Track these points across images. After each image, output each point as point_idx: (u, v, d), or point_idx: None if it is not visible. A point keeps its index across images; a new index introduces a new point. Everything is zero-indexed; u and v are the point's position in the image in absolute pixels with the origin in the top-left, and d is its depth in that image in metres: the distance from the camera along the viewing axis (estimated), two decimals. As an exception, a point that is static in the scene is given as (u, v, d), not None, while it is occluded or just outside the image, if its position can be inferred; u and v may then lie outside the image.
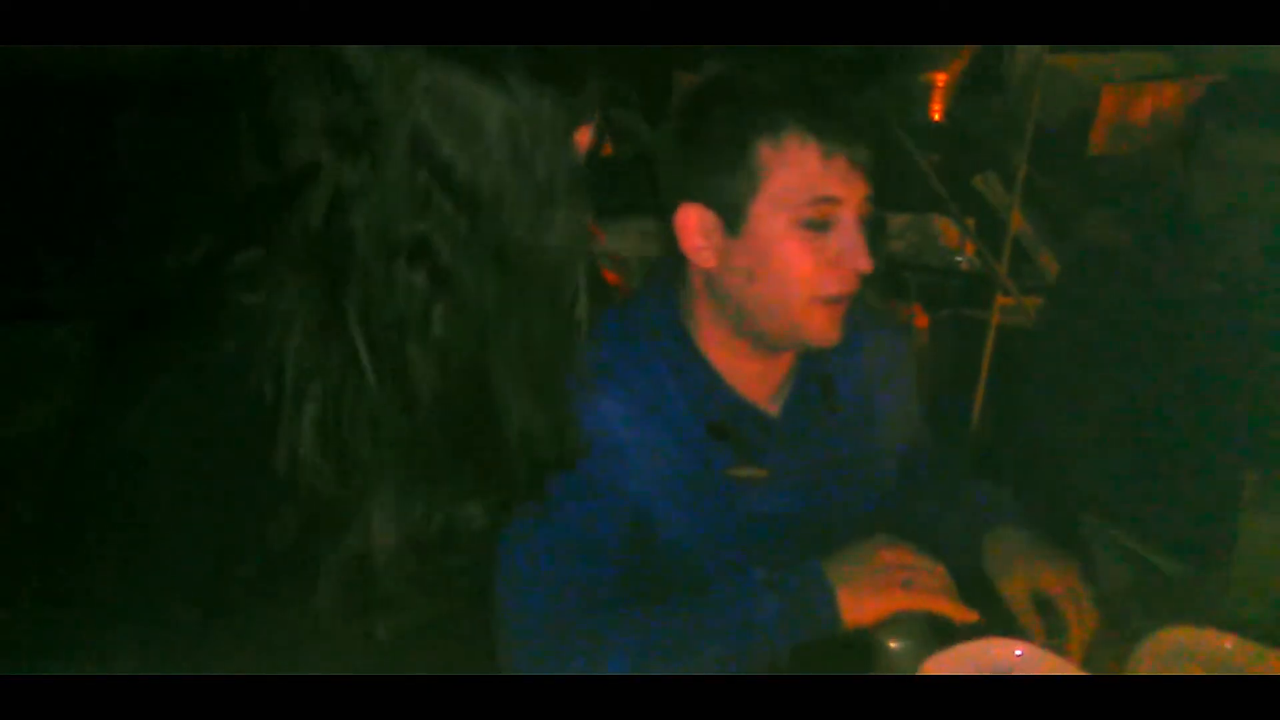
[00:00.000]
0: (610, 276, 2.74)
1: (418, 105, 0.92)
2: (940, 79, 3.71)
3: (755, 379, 1.28)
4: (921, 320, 3.03)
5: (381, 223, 0.93)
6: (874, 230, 1.21)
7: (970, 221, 3.10)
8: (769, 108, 1.16)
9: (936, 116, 3.71)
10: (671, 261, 1.28)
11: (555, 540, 1.19)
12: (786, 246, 1.17)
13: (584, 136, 1.02)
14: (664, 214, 1.24)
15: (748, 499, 1.28)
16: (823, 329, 1.21)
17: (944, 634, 1.20)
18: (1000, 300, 2.80)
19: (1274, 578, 1.35)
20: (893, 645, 1.19)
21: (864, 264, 1.16)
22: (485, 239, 0.95)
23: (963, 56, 3.80)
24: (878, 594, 1.17)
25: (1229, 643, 1.24)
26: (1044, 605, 1.25)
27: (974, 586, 1.26)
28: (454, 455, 1.03)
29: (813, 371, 1.33)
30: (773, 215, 1.16)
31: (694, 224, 1.20)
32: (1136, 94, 3.23)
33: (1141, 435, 1.76)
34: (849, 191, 1.16)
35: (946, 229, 3.25)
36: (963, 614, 1.18)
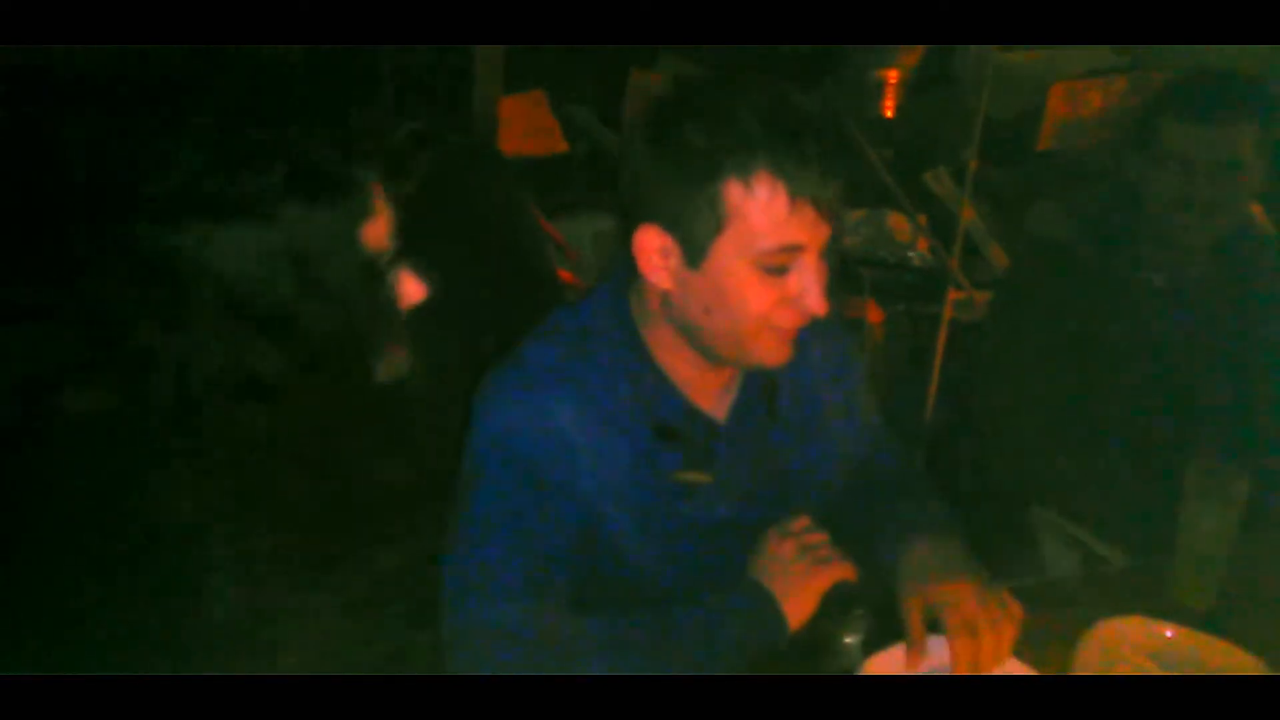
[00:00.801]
0: (564, 275, 2.73)
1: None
2: (892, 75, 3.73)
3: (703, 385, 1.28)
4: (875, 315, 3.05)
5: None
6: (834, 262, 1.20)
7: (922, 217, 3.12)
8: (742, 144, 1.11)
9: (889, 113, 3.73)
10: (626, 262, 1.26)
11: (504, 538, 1.18)
12: (745, 286, 1.15)
13: (375, 230, 1.06)
14: (624, 218, 1.21)
15: (693, 504, 1.27)
16: (773, 353, 1.20)
17: (888, 628, 1.24)
18: (952, 294, 2.82)
19: (1214, 567, 1.38)
20: (847, 641, 1.26)
21: (819, 307, 1.15)
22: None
23: (914, 53, 3.83)
24: (806, 587, 1.24)
25: (1170, 631, 1.26)
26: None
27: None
28: None
29: (759, 379, 1.32)
30: (735, 256, 1.14)
31: (653, 246, 1.18)
32: (1086, 89, 3.26)
33: (1087, 427, 1.78)
34: (813, 237, 1.14)
35: (899, 224, 3.27)
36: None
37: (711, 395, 1.29)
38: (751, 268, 1.14)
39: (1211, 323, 1.78)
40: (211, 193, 0.98)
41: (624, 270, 1.27)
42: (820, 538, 1.29)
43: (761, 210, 1.12)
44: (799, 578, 1.25)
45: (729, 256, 1.14)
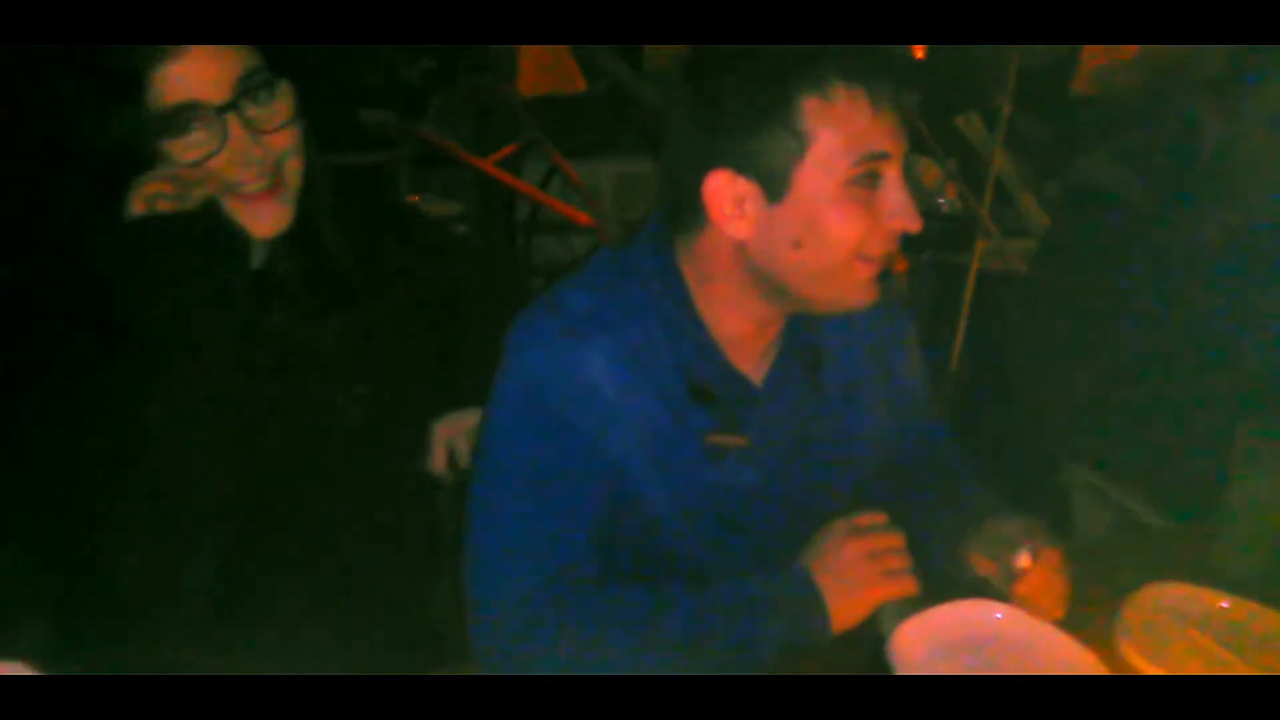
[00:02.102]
0: (582, 217, 2.67)
1: None
2: (922, 15, 3.61)
3: (744, 345, 1.21)
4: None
5: None
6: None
7: (951, 162, 3.04)
8: (809, 59, 1.06)
9: (919, 54, 3.62)
10: (667, 209, 1.19)
11: (529, 489, 1.14)
12: (838, 210, 1.08)
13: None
14: (679, 169, 1.14)
15: (726, 468, 1.21)
16: (863, 290, 1.13)
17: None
18: (981, 243, 2.75)
19: (1266, 534, 1.33)
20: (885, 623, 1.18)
21: (914, 224, 1.09)
22: None
23: (946, -8, 3.70)
24: (862, 595, 1.15)
25: (1226, 602, 1.21)
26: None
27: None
28: None
29: (800, 343, 1.25)
30: (822, 178, 1.07)
31: (726, 195, 1.11)
32: (1123, 31, 3.14)
33: (1132, 384, 1.73)
34: (896, 145, 1.08)
35: (928, 170, 3.19)
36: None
37: (752, 357, 1.23)
38: (840, 187, 1.08)
39: (1267, 277, 1.71)
40: None
41: (665, 218, 1.21)
42: (893, 542, 1.18)
43: (843, 122, 1.06)
44: (857, 585, 1.15)
45: (815, 180, 1.08)
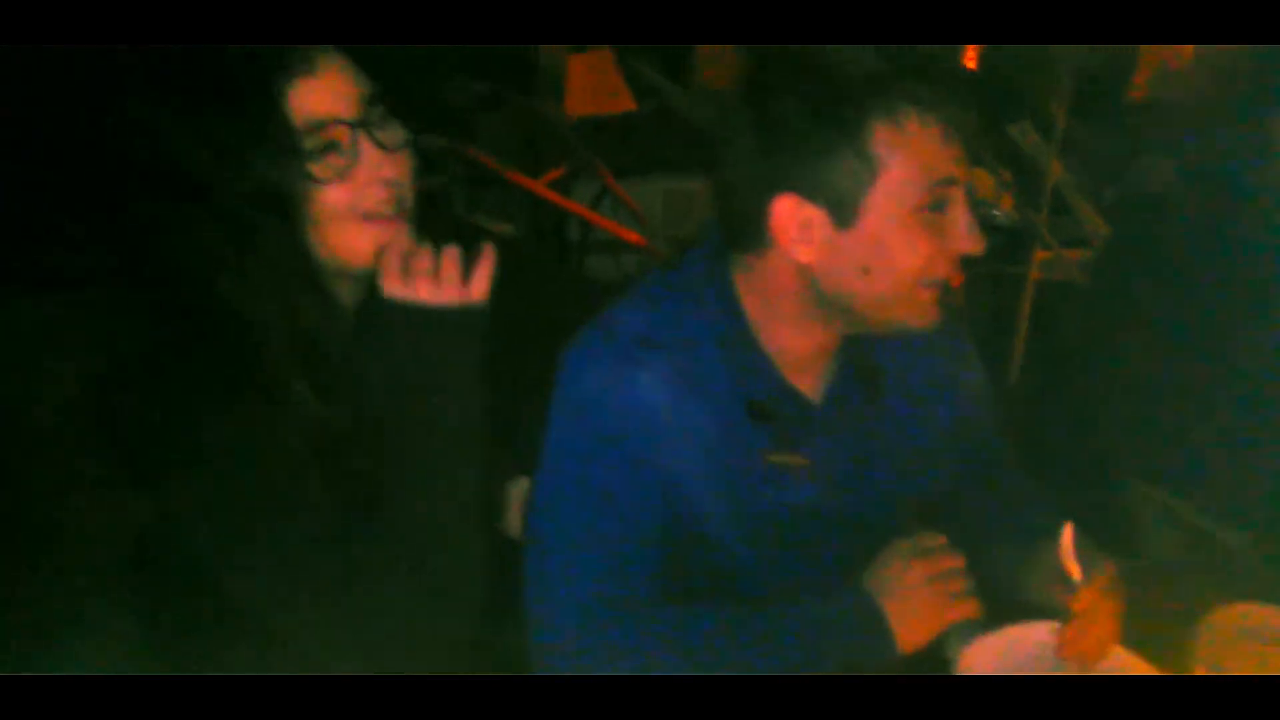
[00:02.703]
0: (633, 236, 2.68)
1: None
2: (974, 25, 3.59)
3: (801, 363, 1.20)
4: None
5: None
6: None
7: (1006, 173, 3.00)
8: (880, 85, 1.06)
9: (970, 64, 3.59)
10: (720, 228, 1.19)
11: (585, 512, 1.14)
12: (907, 237, 1.07)
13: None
14: (740, 190, 1.14)
15: (782, 487, 1.20)
16: (927, 312, 1.13)
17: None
18: (1039, 254, 2.71)
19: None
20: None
21: (979, 247, 1.09)
22: None
23: (998, 0, 3.67)
24: (927, 619, 1.15)
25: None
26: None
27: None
28: None
29: (859, 361, 1.24)
30: (893, 206, 1.07)
31: (793, 219, 1.10)
32: (1180, 36, 3.08)
33: (1196, 398, 1.68)
34: (963, 170, 1.08)
35: (982, 181, 3.15)
36: None
37: (809, 375, 1.22)
38: (910, 214, 1.07)
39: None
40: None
41: (719, 237, 1.20)
42: (956, 564, 1.18)
43: (915, 149, 1.06)
44: (921, 609, 1.15)
45: (886, 208, 1.07)
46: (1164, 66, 3.10)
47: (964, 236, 1.09)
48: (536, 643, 1.15)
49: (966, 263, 2.89)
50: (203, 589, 1.07)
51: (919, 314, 1.13)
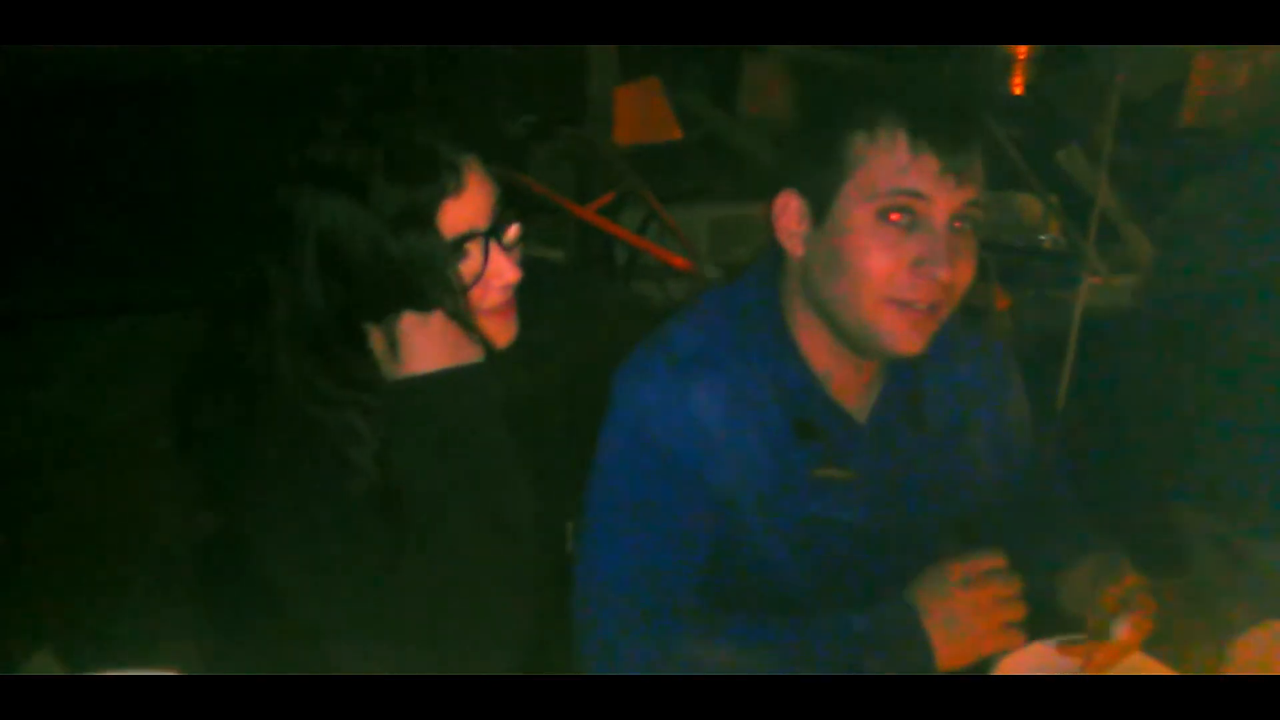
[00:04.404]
0: (679, 262, 2.72)
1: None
2: (1021, 51, 3.59)
3: (845, 381, 1.24)
4: (1002, 301, 2.94)
5: None
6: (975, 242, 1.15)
7: (1054, 198, 2.99)
8: (870, 97, 1.13)
9: (1017, 90, 3.59)
10: (775, 251, 1.24)
11: (635, 524, 1.18)
12: (865, 239, 1.12)
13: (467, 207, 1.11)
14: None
15: (828, 504, 1.23)
16: (899, 335, 1.14)
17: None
18: (1088, 280, 2.69)
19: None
20: None
21: (942, 272, 1.10)
22: None
23: (1045, 27, 3.67)
24: (970, 646, 1.15)
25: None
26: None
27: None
28: None
29: (904, 381, 1.27)
30: (857, 205, 1.13)
31: (787, 210, 1.19)
32: (1231, 60, 3.06)
33: (1242, 422, 1.67)
34: (938, 192, 1.10)
35: (1029, 206, 3.15)
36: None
37: (853, 393, 1.25)
38: (872, 217, 1.12)
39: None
40: (324, 162, 1.09)
41: (772, 259, 1.25)
42: (1010, 592, 1.16)
43: (883, 156, 1.12)
44: (967, 635, 1.14)
45: (851, 206, 1.13)
46: (1214, 92, 3.08)
47: (927, 256, 1.10)
48: (585, 653, 1.18)
49: (1013, 287, 2.87)
50: (263, 605, 1.14)
51: (894, 338, 1.14)
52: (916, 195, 1.11)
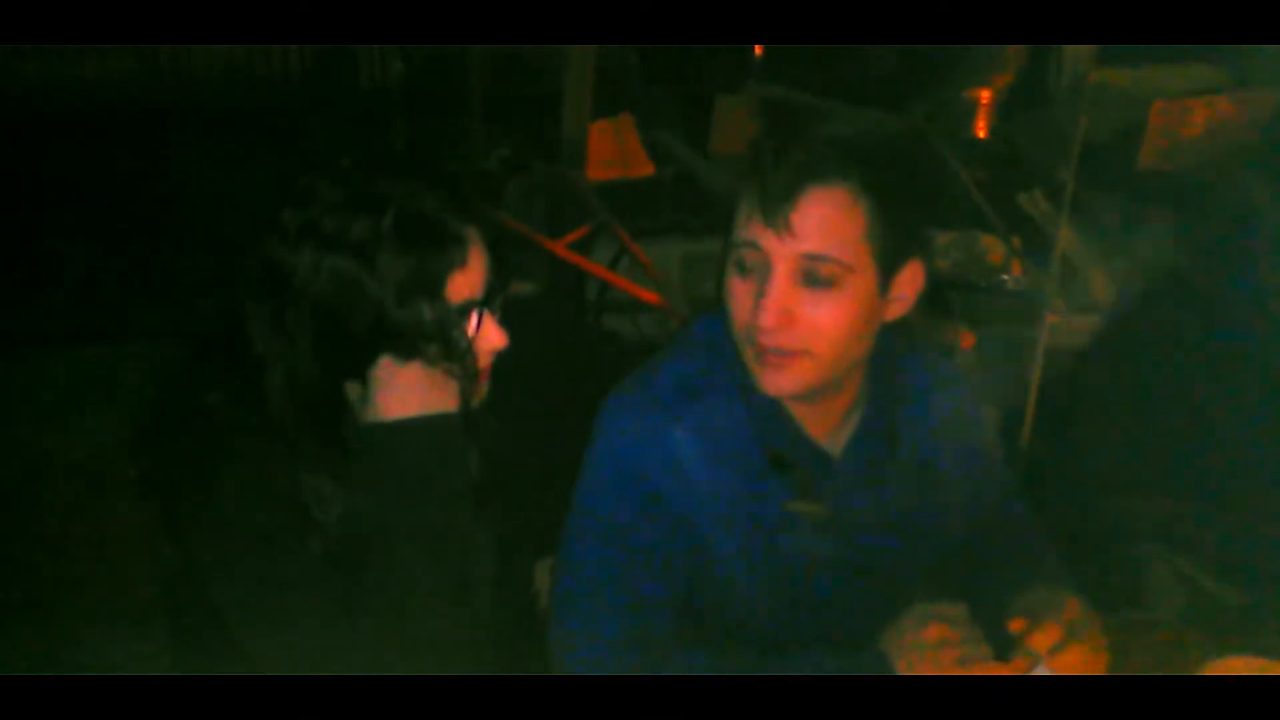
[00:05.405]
0: (650, 296, 2.74)
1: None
2: (984, 95, 3.67)
3: (817, 416, 1.26)
4: (966, 340, 2.98)
5: None
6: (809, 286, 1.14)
7: (1016, 240, 3.05)
8: (748, 156, 1.17)
9: (981, 133, 3.67)
10: None
11: (611, 553, 1.20)
12: (728, 281, 1.18)
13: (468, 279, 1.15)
14: None
15: (803, 538, 1.25)
16: (763, 376, 1.17)
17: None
18: (1050, 319, 2.75)
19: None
20: None
21: (764, 319, 1.12)
22: None
23: (1008, 72, 3.76)
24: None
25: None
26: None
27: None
28: None
29: (878, 417, 1.29)
30: (728, 249, 1.18)
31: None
32: (1188, 107, 3.16)
33: (1199, 459, 1.71)
34: (770, 243, 1.12)
35: (992, 247, 3.20)
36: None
37: (827, 428, 1.27)
38: (732, 262, 1.17)
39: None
40: (328, 228, 1.10)
41: None
42: (971, 633, 1.17)
43: (741, 205, 1.16)
44: (930, 667, 1.14)
45: (728, 251, 1.18)
46: (1174, 136, 3.16)
47: (760, 300, 1.13)
48: (559, 669, 1.21)
49: (976, 327, 2.91)
50: (220, 637, 1.15)
51: (762, 378, 1.17)
52: (753, 246, 1.14)
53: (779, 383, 1.16)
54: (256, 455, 1.15)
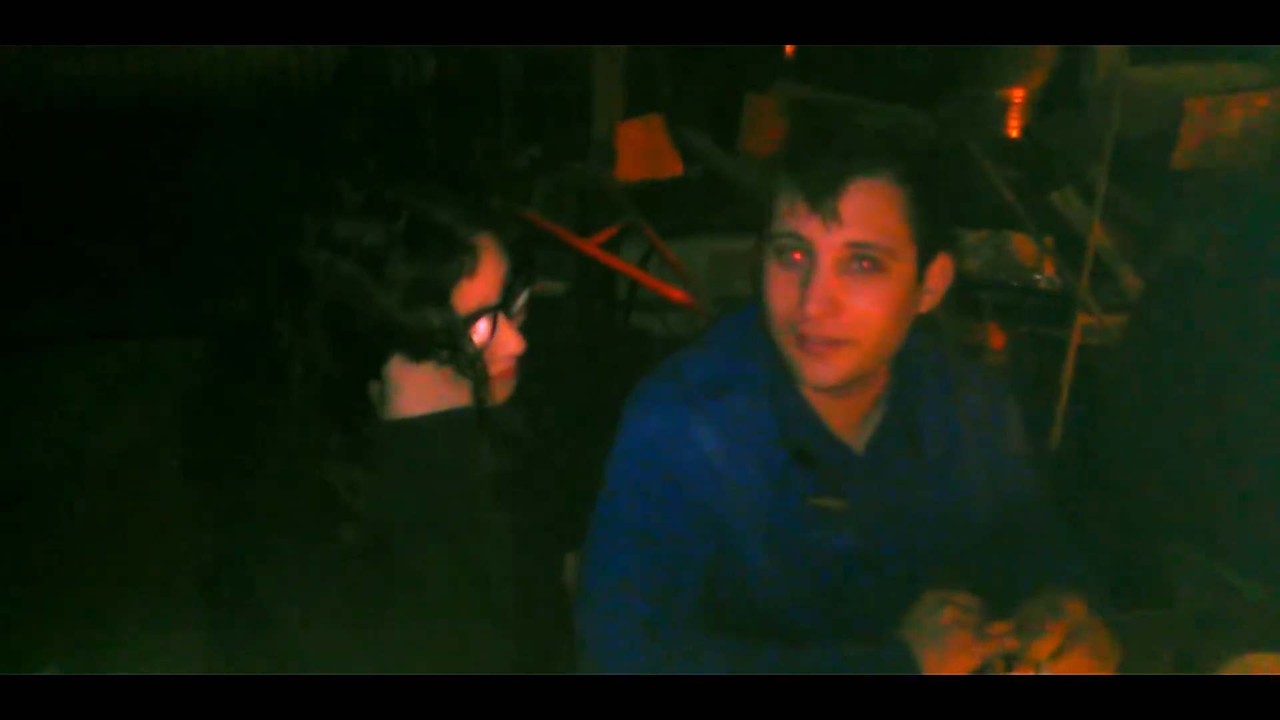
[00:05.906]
0: (678, 295, 2.76)
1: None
2: (1017, 95, 3.65)
3: (841, 411, 1.27)
4: (997, 340, 2.97)
5: None
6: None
7: (1049, 239, 3.04)
8: (792, 152, 1.18)
9: (1014, 133, 3.65)
10: None
11: (637, 545, 1.22)
12: (769, 278, 1.18)
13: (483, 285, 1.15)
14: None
15: (824, 532, 1.26)
16: (805, 367, 1.18)
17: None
18: (1081, 318, 2.73)
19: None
20: None
21: (810, 308, 1.13)
22: None
23: (1041, 70, 3.74)
24: (957, 659, 1.16)
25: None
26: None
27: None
28: None
29: (902, 413, 1.30)
30: (768, 242, 1.19)
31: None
32: (1223, 106, 3.12)
33: (1226, 457, 1.70)
34: (814, 234, 1.13)
35: (1023, 246, 3.19)
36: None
37: (851, 424, 1.28)
38: (772, 254, 1.17)
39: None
40: (341, 233, 1.12)
41: None
42: (979, 615, 1.19)
43: (778, 198, 1.16)
44: (953, 648, 1.16)
45: (766, 245, 1.19)
46: (1208, 135, 3.13)
47: (806, 291, 1.13)
48: (587, 657, 1.24)
49: (1007, 326, 2.90)
50: (263, 631, 1.18)
51: (802, 368, 1.18)
52: (795, 237, 1.15)
53: (822, 373, 1.17)
54: (286, 445, 1.18)
